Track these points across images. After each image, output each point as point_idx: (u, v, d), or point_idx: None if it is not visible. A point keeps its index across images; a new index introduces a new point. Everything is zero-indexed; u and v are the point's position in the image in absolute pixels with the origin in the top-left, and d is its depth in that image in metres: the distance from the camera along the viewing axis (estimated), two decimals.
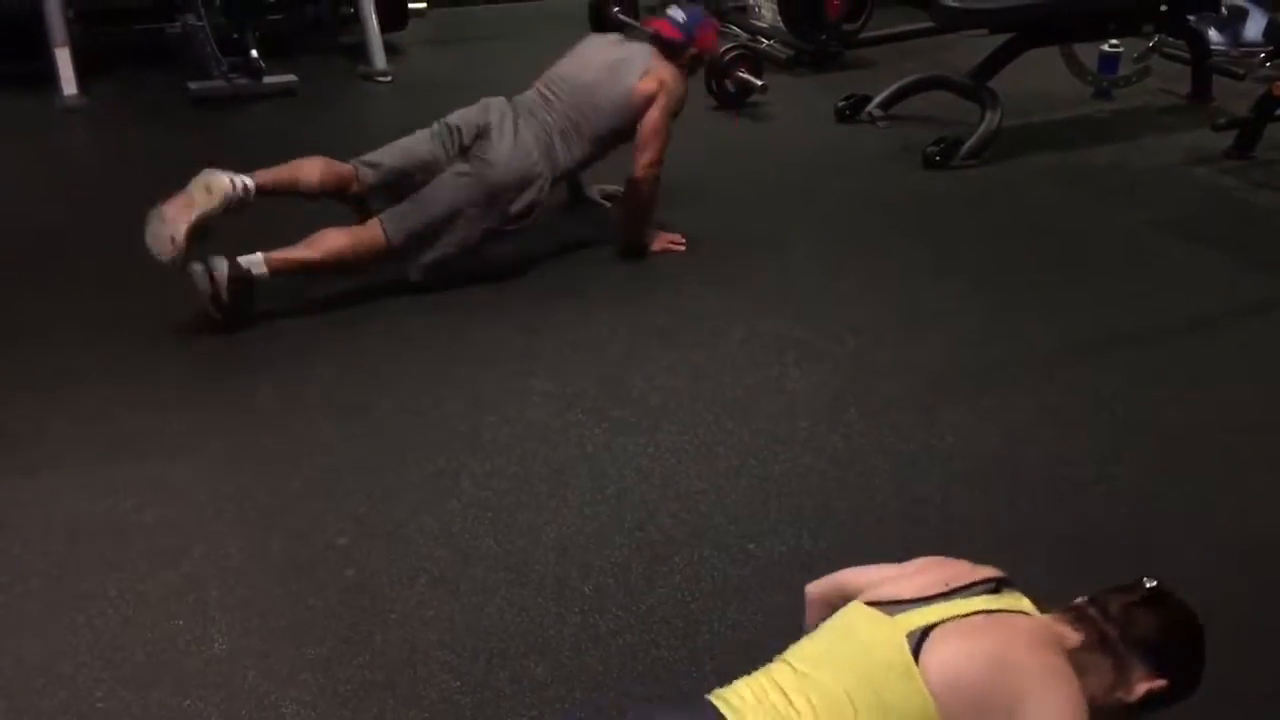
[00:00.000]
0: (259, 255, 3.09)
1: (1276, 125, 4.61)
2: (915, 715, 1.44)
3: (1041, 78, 5.29)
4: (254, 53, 5.02)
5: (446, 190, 3.24)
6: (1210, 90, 5.35)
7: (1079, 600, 1.63)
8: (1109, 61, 5.40)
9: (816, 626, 1.68)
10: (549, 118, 3.41)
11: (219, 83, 5.00)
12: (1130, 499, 2.58)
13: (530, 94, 3.50)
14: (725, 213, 4.03)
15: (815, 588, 1.80)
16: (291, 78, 5.15)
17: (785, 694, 1.49)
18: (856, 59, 5.82)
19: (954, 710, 1.44)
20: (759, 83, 5.10)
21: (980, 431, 2.81)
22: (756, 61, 5.25)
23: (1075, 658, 1.52)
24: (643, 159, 3.46)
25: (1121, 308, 3.45)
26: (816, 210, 4.04)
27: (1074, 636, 1.55)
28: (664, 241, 3.66)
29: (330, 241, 3.17)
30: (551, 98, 3.45)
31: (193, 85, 4.98)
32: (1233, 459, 2.73)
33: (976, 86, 4.78)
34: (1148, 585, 1.59)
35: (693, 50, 3.55)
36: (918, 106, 5.05)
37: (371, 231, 3.21)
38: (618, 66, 3.46)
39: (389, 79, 5.42)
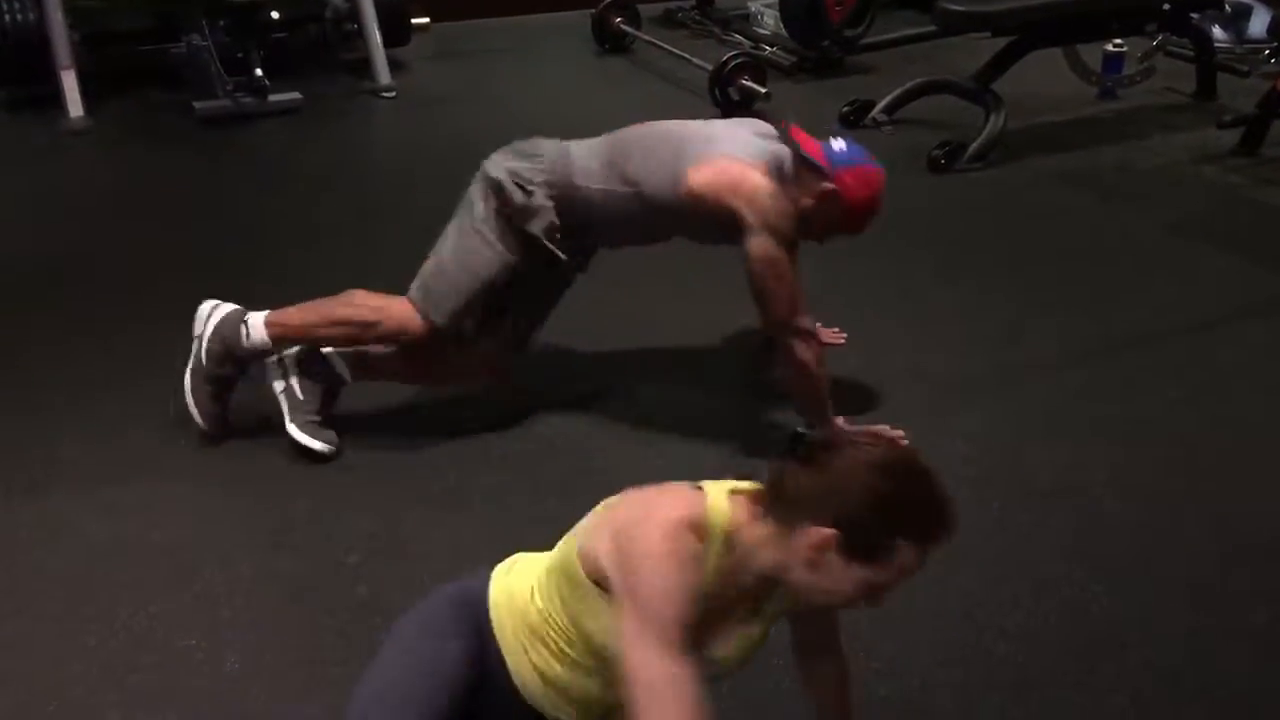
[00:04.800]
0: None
1: None
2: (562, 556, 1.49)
3: (1045, 79, 5.27)
4: (258, 71, 5.02)
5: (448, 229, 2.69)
6: (1215, 88, 5.33)
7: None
8: (1113, 61, 5.39)
9: None
10: (584, 147, 2.67)
11: (224, 102, 5.00)
12: (1143, 501, 2.56)
13: None
14: None
15: None
16: (296, 95, 5.16)
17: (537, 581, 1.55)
18: (859, 64, 5.81)
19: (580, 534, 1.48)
20: (763, 90, 5.10)
21: (990, 436, 2.79)
22: (760, 69, 5.25)
23: (741, 535, 1.41)
24: (770, 316, 2.57)
25: (1131, 309, 3.44)
26: None
27: (741, 515, 1.43)
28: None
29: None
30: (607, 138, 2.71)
31: (198, 105, 4.99)
32: (1246, 460, 2.71)
33: (980, 89, 4.77)
34: (797, 435, 1.50)
35: (825, 186, 2.52)
36: (922, 110, 5.04)
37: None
38: (702, 138, 2.60)
39: (394, 94, 5.42)
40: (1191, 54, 5.40)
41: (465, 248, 2.62)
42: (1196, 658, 2.11)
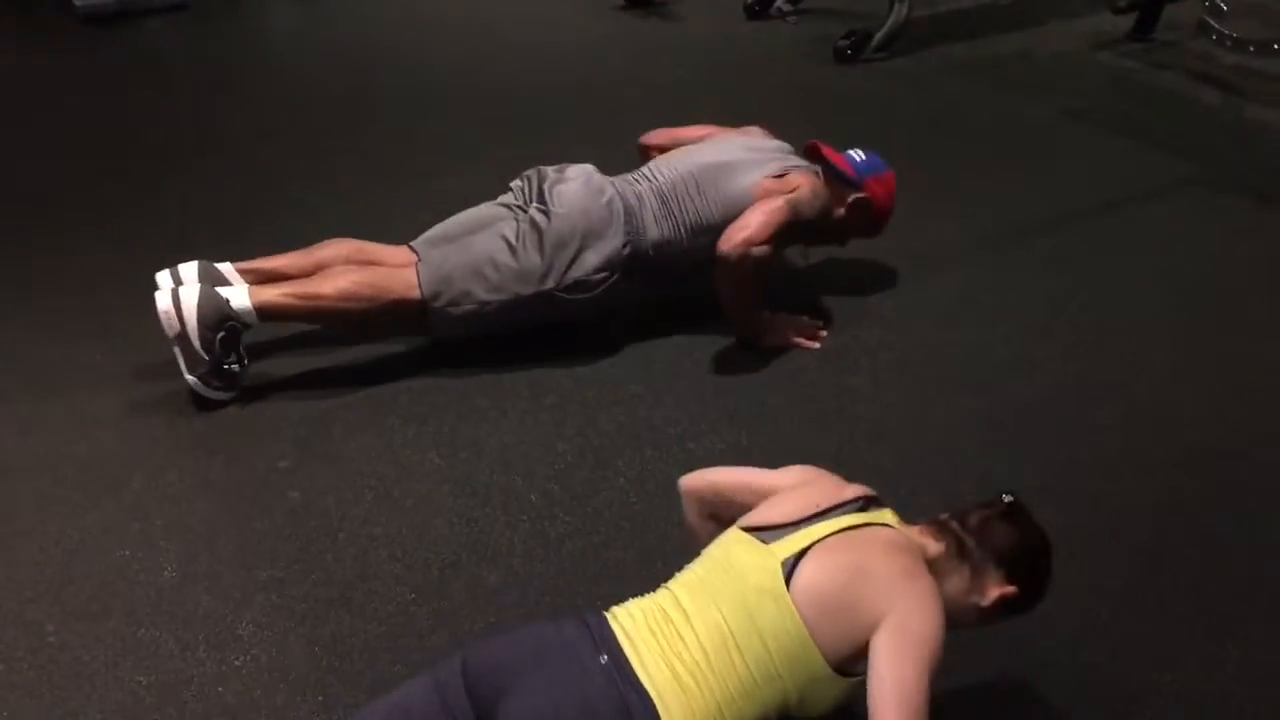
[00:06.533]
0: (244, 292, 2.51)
1: (1175, 6, 4.70)
2: (786, 636, 1.51)
3: None
4: None
5: (493, 233, 2.64)
6: None
7: (942, 515, 1.71)
8: None
9: (694, 523, 1.84)
10: (641, 187, 2.74)
11: None
12: (1049, 379, 2.68)
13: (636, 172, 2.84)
14: (637, 115, 4.01)
15: (688, 481, 1.85)
16: None
17: (672, 621, 1.56)
18: None
19: (821, 622, 1.51)
20: None
21: (905, 323, 2.88)
22: None
23: (935, 565, 1.62)
24: (738, 234, 2.56)
25: (1033, 195, 3.53)
26: (729, 108, 4.03)
27: (934, 546, 1.65)
28: (790, 334, 2.80)
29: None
30: (656, 171, 2.79)
31: (79, 1, 4.77)
32: (1143, 336, 2.84)
33: None
34: (1005, 501, 1.70)
35: (858, 196, 2.81)
36: (826, 0, 5.03)
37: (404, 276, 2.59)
38: (754, 161, 2.77)
39: None
40: None
41: (518, 300, 2.59)
42: (1097, 520, 2.24)
